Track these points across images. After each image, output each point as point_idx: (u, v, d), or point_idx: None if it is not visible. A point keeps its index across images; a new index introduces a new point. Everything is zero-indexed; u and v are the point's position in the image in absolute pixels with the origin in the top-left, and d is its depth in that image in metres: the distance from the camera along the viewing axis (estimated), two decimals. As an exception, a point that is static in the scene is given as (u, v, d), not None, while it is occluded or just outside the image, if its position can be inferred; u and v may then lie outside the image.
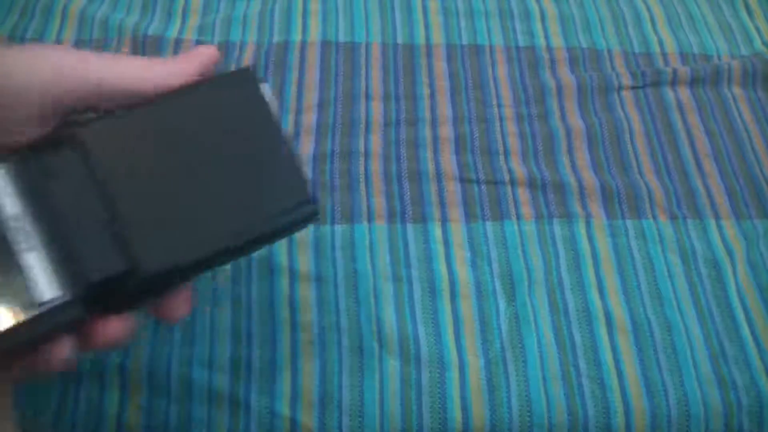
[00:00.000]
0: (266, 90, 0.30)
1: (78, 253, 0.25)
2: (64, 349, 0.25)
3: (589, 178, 0.45)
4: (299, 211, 0.29)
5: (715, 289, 0.42)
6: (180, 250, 0.27)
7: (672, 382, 0.38)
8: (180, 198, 0.27)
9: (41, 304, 0.24)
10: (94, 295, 0.25)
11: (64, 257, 0.25)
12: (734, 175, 0.46)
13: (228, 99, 0.29)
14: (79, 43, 0.47)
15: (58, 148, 0.26)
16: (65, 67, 0.27)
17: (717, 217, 0.44)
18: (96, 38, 0.48)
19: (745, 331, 0.40)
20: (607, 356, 0.39)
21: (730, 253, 0.43)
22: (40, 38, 0.47)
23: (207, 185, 0.28)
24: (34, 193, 0.25)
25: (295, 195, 0.29)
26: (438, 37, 0.50)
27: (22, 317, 0.24)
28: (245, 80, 0.30)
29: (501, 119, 0.47)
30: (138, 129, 0.27)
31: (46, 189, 0.26)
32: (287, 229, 0.30)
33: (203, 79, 0.29)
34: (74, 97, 0.27)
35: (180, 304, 0.29)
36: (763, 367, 0.39)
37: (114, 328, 0.26)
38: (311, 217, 0.30)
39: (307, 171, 0.31)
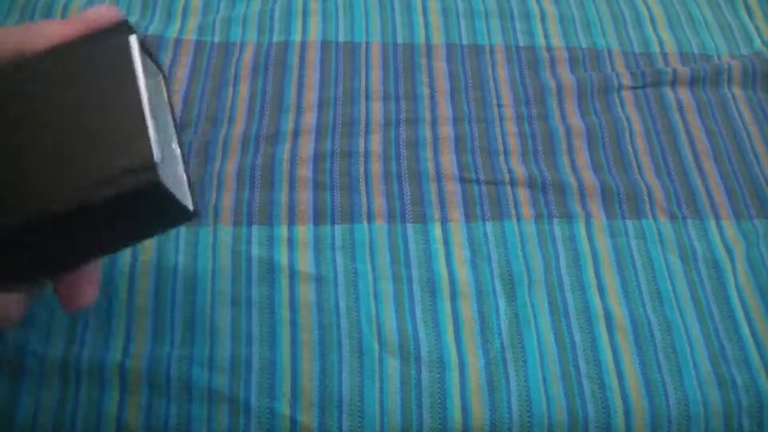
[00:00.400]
0: (134, 44, 0.26)
1: None
2: None
3: (589, 178, 0.45)
4: (132, 178, 0.25)
5: (715, 289, 0.42)
6: None
7: (672, 382, 0.38)
8: (7, 161, 0.25)
9: None
10: None
11: None
12: (734, 175, 0.46)
13: (92, 54, 0.26)
14: (79, 43, 0.48)
15: None
16: None
17: (717, 217, 0.44)
18: (96, 38, 0.48)
19: (745, 331, 0.40)
20: (607, 356, 0.39)
21: (730, 253, 0.43)
22: (40, 38, 0.47)
23: (38, 148, 0.25)
24: None
25: (131, 158, 0.25)
26: (438, 37, 0.50)
27: None
28: (115, 34, 0.27)
29: (501, 119, 0.47)
30: None
31: None
32: (119, 201, 0.25)
33: (79, 37, 0.27)
34: None
35: (77, 292, 0.28)
36: (763, 367, 0.39)
37: None
38: (151, 189, 0.25)
39: (153, 138, 0.25)
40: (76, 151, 0.25)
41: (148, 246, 0.40)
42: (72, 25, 0.27)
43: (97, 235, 0.27)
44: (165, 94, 0.30)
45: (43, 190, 0.25)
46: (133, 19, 0.49)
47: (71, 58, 0.27)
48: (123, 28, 0.27)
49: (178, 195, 0.27)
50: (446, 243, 0.42)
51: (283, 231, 0.41)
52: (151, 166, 0.25)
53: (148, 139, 0.25)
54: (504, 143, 0.46)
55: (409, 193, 0.43)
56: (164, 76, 0.30)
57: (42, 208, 0.25)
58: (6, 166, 0.25)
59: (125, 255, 0.40)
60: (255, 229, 0.41)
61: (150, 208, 0.27)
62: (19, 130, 0.26)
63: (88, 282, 0.29)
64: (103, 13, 0.28)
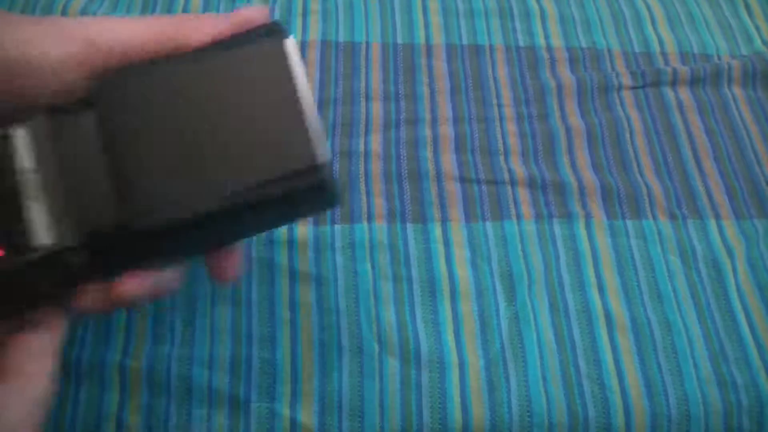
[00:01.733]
0: (290, 46, 0.28)
1: (78, 205, 0.26)
2: (87, 299, 0.28)
3: (589, 178, 0.45)
4: (299, 179, 0.27)
5: (715, 289, 0.42)
6: (168, 211, 0.27)
7: (672, 382, 0.38)
8: (181, 157, 0.27)
9: (34, 249, 0.26)
10: (93, 247, 0.26)
11: (65, 209, 0.26)
12: (734, 175, 0.46)
13: (248, 55, 0.28)
14: (79, 43, 0.47)
15: (76, 105, 0.27)
16: (97, 38, 0.27)
17: (717, 217, 0.44)
18: (96, 38, 0.48)
19: (745, 331, 0.40)
20: (607, 356, 0.39)
21: (730, 253, 0.43)
22: (40, 38, 0.47)
23: (208, 146, 0.27)
24: (49, 149, 0.27)
25: (297, 161, 0.27)
26: (438, 37, 0.50)
27: (13, 261, 0.25)
28: (270, 35, 0.28)
29: (501, 119, 0.47)
30: (148, 84, 0.27)
31: (60, 145, 0.27)
32: (286, 200, 0.27)
33: (230, 36, 0.28)
34: (113, 63, 0.27)
35: (227, 265, 0.30)
36: (763, 367, 0.39)
37: (129, 285, 0.27)
38: (319, 191, 0.28)
39: (325, 140, 0.27)
40: (239, 151, 0.27)
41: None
42: (222, 23, 0.28)
43: (253, 223, 0.29)
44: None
45: (206, 192, 0.27)
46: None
47: (228, 58, 0.28)
48: (276, 28, 0.28)
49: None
50: (446, 243, 0.42)
51: (282, 231, 0.41)
52: (322, 165, 0.27)
53: (314, 143, 0.27)
54: (504, 143, 0.46)
55: (409, 193, 0.43)
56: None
57: (206, 204, 0.27)
58: (168, 161, 0.27)
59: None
60: (255, 229, 0.41)
61: (311, 204, 0.29)
62: (181, 127, 0.27)
63: (236, 257, 0.30)
64: (254, 14, 0.29)
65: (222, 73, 0.28)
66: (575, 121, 0.47)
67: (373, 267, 0.41)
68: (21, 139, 0.27)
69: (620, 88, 0.49)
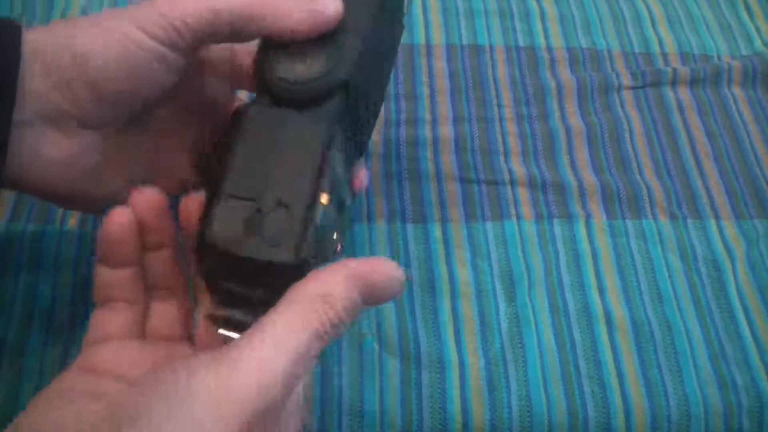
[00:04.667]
0: None
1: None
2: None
3: (589, 178, 0.45)
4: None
5: (715, 289, 0.42)
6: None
7: (672, 383, 0.38)
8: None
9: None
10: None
11: None
12: (734, 175, 0.46)
13: None
14: (78, 43, 0.47)
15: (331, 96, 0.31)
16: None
17: (717, 217, 0.44)
18: (96, 38, 0.48)
19: (745, 331, 0.40)
20: (607, 356, 0.39)
21: (730, 253, 0.43)
22: (39, 38, 0.47)
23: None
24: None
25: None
26: (438, 37, 0.50)
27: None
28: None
29: (501, 119, 0.47)
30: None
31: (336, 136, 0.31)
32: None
33: None
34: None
35: (362, 177, 0.35)
36: (763, 367, 0.39)
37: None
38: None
39: None
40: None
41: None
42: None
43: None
44: None
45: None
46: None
47: None
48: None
49: None
50: (446, 243, 0.42)
51: (283, 231, 0.41)
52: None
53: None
54: (504, 143, 0.46)
55: (409, 193, 0.43)
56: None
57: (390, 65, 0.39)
58: (376, 65, 0.35)
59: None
60: (255, 229, 0.41)
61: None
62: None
63: (364, 172, 0.36)
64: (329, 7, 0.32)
65: None
66: (575, 121, 0.47)
67: (373, 267, 0.40)
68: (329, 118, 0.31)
69: (620, 88, 0.49)
